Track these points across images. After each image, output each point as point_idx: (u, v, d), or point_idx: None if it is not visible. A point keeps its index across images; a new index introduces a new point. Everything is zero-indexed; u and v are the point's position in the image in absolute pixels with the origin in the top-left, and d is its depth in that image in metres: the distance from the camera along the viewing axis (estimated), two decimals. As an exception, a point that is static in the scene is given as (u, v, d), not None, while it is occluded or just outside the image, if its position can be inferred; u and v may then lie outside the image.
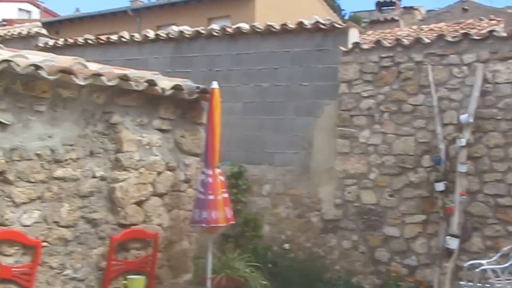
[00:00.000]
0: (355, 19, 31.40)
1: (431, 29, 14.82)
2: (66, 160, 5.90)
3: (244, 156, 11.05)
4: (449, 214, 9.04)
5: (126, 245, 6.54)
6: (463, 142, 9.06)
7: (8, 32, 15.21)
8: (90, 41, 12.84)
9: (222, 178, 6.92)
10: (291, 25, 10.86)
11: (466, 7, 26.43)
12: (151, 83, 6.57)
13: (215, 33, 11.50)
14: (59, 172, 5.84)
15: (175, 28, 12.26)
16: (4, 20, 26.23)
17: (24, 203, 5.56)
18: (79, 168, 6.03)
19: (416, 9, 32.22)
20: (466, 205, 9.16)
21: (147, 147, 6.73)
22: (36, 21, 25.72)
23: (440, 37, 9.77)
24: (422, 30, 15.15)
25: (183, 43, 11.87)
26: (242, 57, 11.26)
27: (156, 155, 6.84)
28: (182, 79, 7.26)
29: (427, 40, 9.83)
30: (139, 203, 6.66)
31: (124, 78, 6.30)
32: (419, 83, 9.72)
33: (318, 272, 9.81)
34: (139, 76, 6.56)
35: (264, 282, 7.97)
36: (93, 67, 6.19)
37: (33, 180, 5.63)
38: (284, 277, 9.53)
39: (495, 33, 9.41)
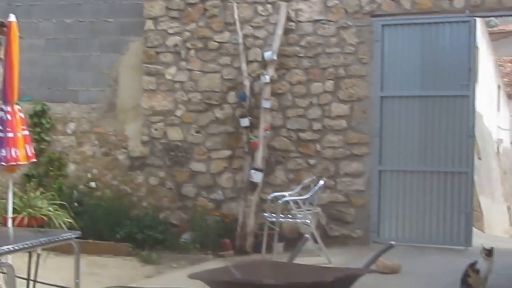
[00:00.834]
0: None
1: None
2: None
3: (47, 94, 10.73)
4: (254, 148, 9.32)
5: None
6: (267, 78, 9.33)
7: None
8: None
9: (21, 115, 6.58)
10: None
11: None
12: None
13: (13, -37, 10.80)
14: None
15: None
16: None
17: None
18: None
19: None
20: (270, 140, 9.51)
21: None
22: None
23: (245, -25, 9.90)
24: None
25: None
26: (44, -9, 10.74)
27: None
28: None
29: (232, -22, 9.92)
30: None
31: None
32: (225, 21, 9.83)
33: (125, 209, 9.76)
34: None
35: (69, 220, 7.80)
36: None
37: None
38: (90, 215, 9.39)
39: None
